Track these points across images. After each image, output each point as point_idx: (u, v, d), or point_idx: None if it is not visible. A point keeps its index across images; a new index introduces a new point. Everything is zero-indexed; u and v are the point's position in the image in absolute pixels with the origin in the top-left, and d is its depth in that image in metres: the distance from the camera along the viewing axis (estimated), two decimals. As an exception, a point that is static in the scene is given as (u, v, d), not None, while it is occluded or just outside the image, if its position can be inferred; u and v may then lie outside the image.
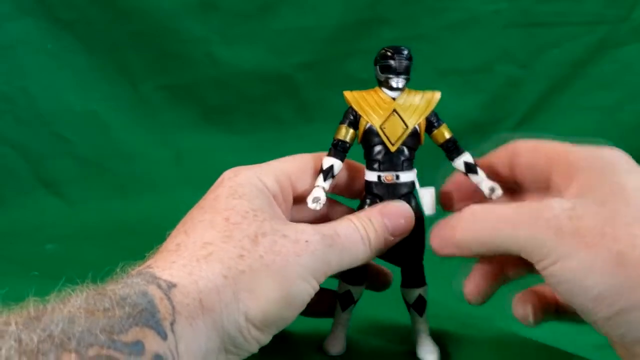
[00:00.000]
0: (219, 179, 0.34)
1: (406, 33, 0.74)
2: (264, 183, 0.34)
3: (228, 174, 0.34)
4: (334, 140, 0.36)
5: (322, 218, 0.37)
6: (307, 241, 0.31)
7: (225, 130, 0.79)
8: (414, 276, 0.37)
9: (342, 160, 0.35)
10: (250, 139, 0.78)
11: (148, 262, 0.30)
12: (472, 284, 0.34)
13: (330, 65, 0.76)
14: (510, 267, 0.34)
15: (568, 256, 0.27)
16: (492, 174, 0.35)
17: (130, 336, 0.24)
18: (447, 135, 0.36)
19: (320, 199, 0.34)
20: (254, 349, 0.30)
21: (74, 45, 0.77)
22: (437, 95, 0.36)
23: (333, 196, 0.39)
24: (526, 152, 0.34)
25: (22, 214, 0.73)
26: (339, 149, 0.35)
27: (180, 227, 0.33)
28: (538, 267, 0.29)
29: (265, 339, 0.31)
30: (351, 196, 0.38)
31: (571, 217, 0.28)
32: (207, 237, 0.30)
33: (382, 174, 0.35)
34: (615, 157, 0.31)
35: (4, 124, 0.76)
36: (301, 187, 0.36)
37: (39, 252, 0.63)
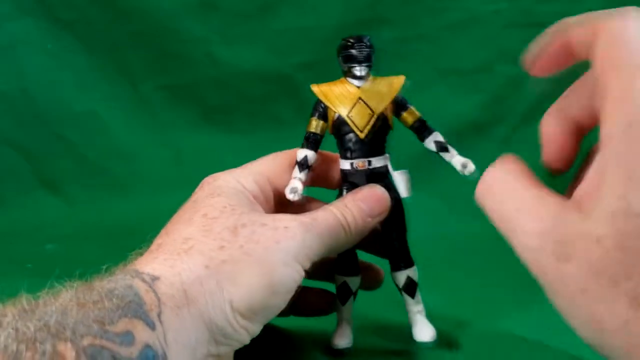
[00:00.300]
0: (199, 185, 0.35)
1: (406, 33, 0.74)
2: (242, 184, 0.35)
3: (207, 179, 0.35)
4: (306, 133, 0.37)
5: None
6: (285, 227, 0.32)
7: (225, 130, 0.79)
8: (400, 257, 0.37)
9: (315, 151, 0.37)
10: (250, 139, 0.78)
11: (131, 263, 0.31)
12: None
13: (330, 65, 0.76)
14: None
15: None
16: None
17: (120, 327, 0.25)
18: (416, 116, 0.37)
19: (297, 189, 0.35)
20: (245, 339, 0.31)
21: (74, 45, 0.77)
22: (401, 78, 0.37)
23: (313, 190, 0.39)
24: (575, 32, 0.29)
25: (22, 214, 0.73)
26: (310, 141, 0.37)
27: (162, 231, 0.33)
28: None
29: (255, 327, 0.31)
30: (331, 186, 0.39)
31: (558, 257, 0.24)
32: (187, 233, 0.31)
33: (354, 161, 0.36)
34: None
35: (4, 124, 0.76)
36: (281, 186, 0.36)
37: (39, 252, 0.63)
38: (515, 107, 0.76)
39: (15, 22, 0.75)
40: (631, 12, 0.25)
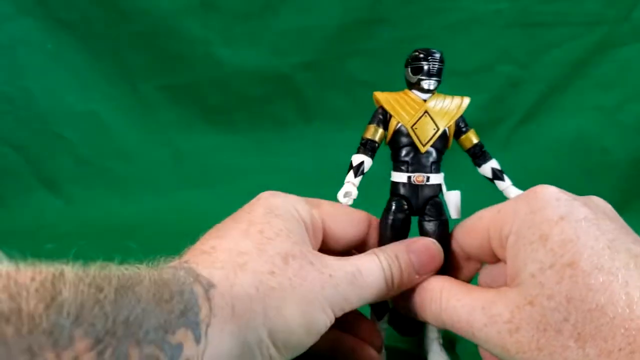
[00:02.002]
0: (255, 198, 0.34)
1: (406, 33, 0.74)
2: (299, 212, 0.34)
3: (265, 194, 0.34)
4: (363, 139, 0.35)
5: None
6: (330, 275, 0.31)
7: (225, 130, 0.79)
8: None
9: (372, 158, 0.35)
10: (250, 139, 0.78)
11: (185, 258, 0.30)
12: None
13: (330, 65, 0.76)
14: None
15: None
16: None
17: (177, 337, 0.25)
18: (475, 140, 0.36)
19: (351, 194, 0.34)
20: None
21: (74, 45, 0.77)
22: (467, 100, 0.36)
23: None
24: (464, 238, 0.34)
25: (22, 214, 0.73)
26: (368, 147, 0.35)
27: (213, 232, 0.33)
28: None
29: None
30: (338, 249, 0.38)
31: (510, 331, 0.28)
32: (242, 246, 0.30)
33: (412, 175, 0.35)
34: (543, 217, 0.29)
35: (4, 124, 0.76)
36: (332, 231, 0.35)
37: (39, 252, 0.63)
38: (515, 107, 0.76)
39: (15, 22, 0.75)
40: None
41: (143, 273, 0.26)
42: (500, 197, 0.35)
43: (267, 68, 0.77)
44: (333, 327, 0.36)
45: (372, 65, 0.74)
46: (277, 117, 0.78)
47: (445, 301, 0.31)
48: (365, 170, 0.35)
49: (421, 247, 0.34)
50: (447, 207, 0.36)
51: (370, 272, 0.32)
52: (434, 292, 0.32)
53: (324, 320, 0.31)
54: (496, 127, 0.75)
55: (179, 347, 0.25)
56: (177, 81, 0.78)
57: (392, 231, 0.35)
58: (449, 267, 0.35)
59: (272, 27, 0.76)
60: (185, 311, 0.25)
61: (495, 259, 0.32)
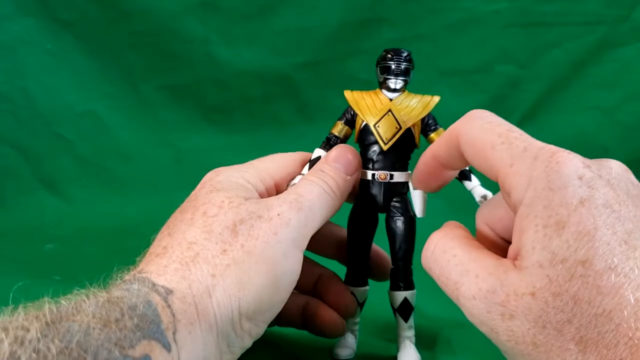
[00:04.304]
0: (201, 181, 0.35)
1: (406, 33, 0.74)
2: (247, 180, 0.34)
3: (209, 174, 0.35)
4: (329, 134, 0.37)
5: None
6: (279, 214, 0.31)
7: (225, 130, 0.79)
8: (401, 277, 0.36)
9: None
10: (250, 139, 0.78)
11: (140, 267, 0.30)
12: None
13: (330, 65, 0.76)
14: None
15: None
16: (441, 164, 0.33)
17: (139, 350, 0.25)
18: None
19: None
20: (248, 342, 0.31)
21: (74, 45, 0.77)
22: (436, 99, 0.36)
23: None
24: (470, 152, 0.30)
25: (22, 214, 0.73)
26: (331, 143, 0.37)
27: (164, 229, 0.33)
28: None
29: (259, 330, 0.31)
30: (324, 253, 0.39)
31: (503, 316, 0.26)
32: (190, 236, 0.31)
33: (376, 172, 0.36)
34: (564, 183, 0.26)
35: (4, 124, 0.76)
36: (285, 187, 0.36)
37: (39, 252, 0.63)
38: (515, 107, 0.76)
39: (15, 22, 0.75)
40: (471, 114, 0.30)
41: (86, 300, 0.25)
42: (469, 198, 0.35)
43: (267, 68, 0.77)
44: (305, 292, 0.37)
45: (372, 65, 0.73)
46: (277, 117, 0.78)
47: (439, 250, 0.29)
48: None
49: (337, 153, 0.35)
50: (413, 205, 0.36)
51: (309, 190, 0.33)
52: (433, 237, 0.30)
53: (292, 266, 0.31)
54: (496, 127, 0.75)
55: (145, 358, 0.25)
56: (177, 81, 0.78)
57: (358, 228, 0.37)
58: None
59: (272, 27, 0.76)
60: (141, 324, 0.25)
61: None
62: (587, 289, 0.24)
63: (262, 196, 0.34)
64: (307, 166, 0.36)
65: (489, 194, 0.34)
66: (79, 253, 0.62)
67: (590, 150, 0.75)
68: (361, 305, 0.38)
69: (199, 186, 0.34)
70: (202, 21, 0.76)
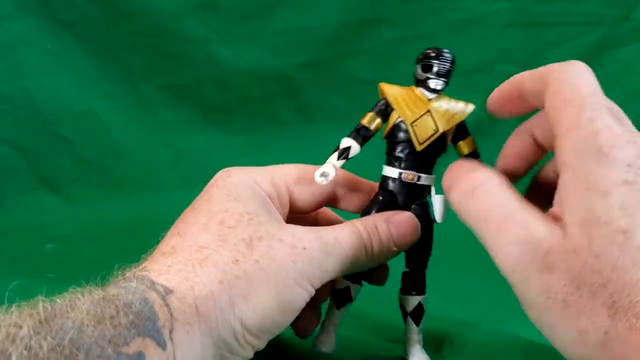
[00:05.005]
0: (212, 180, 0.34)
1: (406, 33, 0.74)
2: (259, 185, 0.33)
3: (221, 174, 0.34)
4: (358, 124, 0.35)
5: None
6: (304, 248, 0.30)
7: (225, 130, 0.79)
8: (415, 282, 0.36)
9: (361, 145, 0.35)
10: (250, 139, 0.78)
11: (143, 265, 0.30)
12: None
13: (330, 65, 0.76)
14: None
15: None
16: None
17: (133, 347, 0.24)
18: (473, 147, 0.36)
19: (328, 174, 0.33)
20: (249, 354, 0.30)
21: (74, 45, 0.77)
22: (471, 106, 0.35)
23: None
24: (551, 91, 0.29)
25: (22, 214, 0.73)
26: (360, 134, 0.34)
27: (173, 229, 0.32)
28: None
29: (261, 344, 0.30)
30: (348, 209, 0.38)
31: (541, 268, 0.26)
32: (202, 241, 0.30)
33: (403, 171, 0.35)
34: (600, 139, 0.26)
35: (4, 124, 0.76)
36: (298, 196, 0.35)
37: (39, 252, 0.63)
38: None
39: (15, 22, 0.75)
40: (574, 64, 0.29)
41: (81, 297, 0.25)
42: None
43: (267, 68, 0.77)
44: None
45: (372, 65, 0.74)
46: (277, 117, 0.78)
47: (483, 189, 0.29)
48: (350, 156, 0.34)
49: (400, 219, 0.34)
50: (432, 210, 0.35)
51: (349, 241, 0.32)
52: (477, 175, 0.30)
53: (301, 295, 0.30)
54: (496, 127, 0.74)
55: (139, 355, 0.24)
56: (177, 81, 0.78)
57: None
58: None
59: (272, 27, 0.76)
60: (136, 322, 0.25)
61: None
62: (625, 258, 0.24)
63: (273, 201, 0.33)
64: (335, 154, 0.34)
65: None
66: (79, 253, 0.62)
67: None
68: (352, 300, 0.36)
69: (210, 186, 0.33)
70: (202, 21, 0.76)
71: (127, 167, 0.78)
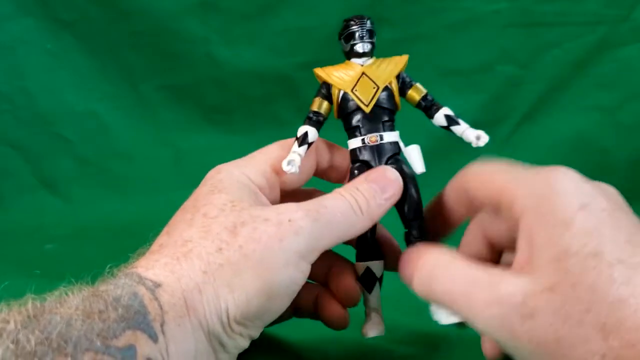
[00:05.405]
0: (203, 179, 0.34)
1: (406, 33, 0.74)
2: (248, 176, 0.33)
3: (211, 172, 0.34)
4: (309, 112, 0.36)
5: None
6: (290, 220, 0.30)
7: (225, 130, 0.79)
8: (418, 235, 0.35)
9: (317, 129, 0.36)
10: (250, 139, 0.77)
11: (133, 264, 0.30)
12: None
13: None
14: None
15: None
16: (448, 210, 0.35)
17: (123, 340, 0.24)
18: (422, 92, 0.36)
19: (294, 161, 0.34)
20: (243, 343, 0.30)
21: (74, 45, 0.77)
22: (405, 57, 0.36)
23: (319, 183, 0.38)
24: (475, 185, 0.32)
25: (22, 214, 0.73)
26: (313, 120, 0.36)
27: (164, 230, 0.32)
28: None
29: (253, 332, 0.30)
30: (337, 179, 0.38)
31: (523, 317, 0.26)
32: (187, 235, 0.30)
33: (365, 136, 0.35)
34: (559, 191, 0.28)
35: (4, 124, 0.76)
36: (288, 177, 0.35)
37: (39, 252, 0.63)
38: (515, 107, 0.76)
39: (15, 22, 0.75)
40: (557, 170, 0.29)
41: (70, 294, 0.26)
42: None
43: (267, 68, 0.77)
44: (318, 282, 0.37)
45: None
46: (277, 117, 0.78)
47: (441, 266, 0.30)
48: (310, 141, 0.35)
49: (377, 173, 0.34)
50: (409, 164, 0.35)
51: (335, 204, 0.32)
52: (429, 257, 0.31)
53: (293, 276, 0.30)
54: (496, 127, 0.75)
55: (130, 348, 0.24)
56: (177, 81, 0.78)
57: None
58: (438, 210, 0.35)
59: (272, 27, 0.76)
60: (126, 315, 0.25)
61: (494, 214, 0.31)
62: (602, 279, 0.25)
63: (262, 190, 0.34)
64: (295, 144, 0.35)
65: (482, 133, 0.35)
66: (79, 253, 0.62)
67: (591, 150, 0.75)
68: (380, 280, 0.36)
69: (200, 185, 0.34)
70: (202, 21, 0.76)
71: (127, 167, 0.78)
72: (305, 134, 0.35)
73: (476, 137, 0.35)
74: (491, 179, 0.31)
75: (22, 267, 0.56)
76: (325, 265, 0.37)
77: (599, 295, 0.25)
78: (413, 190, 0.35)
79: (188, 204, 0.33)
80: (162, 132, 0.79)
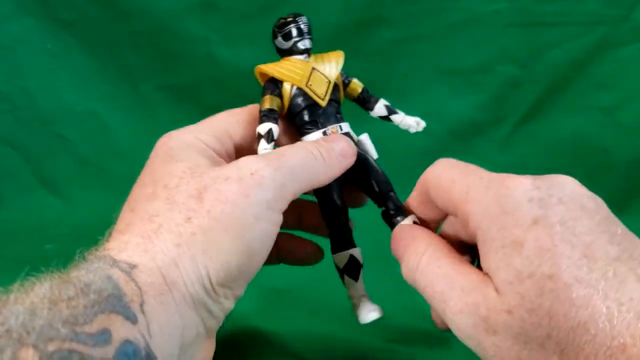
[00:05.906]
0: (154, 148, 0.34)
1: (406, 33, 0.74)
2: (202, 141, 0.33)
3: (161, 140, 0.34)
4: (262, 111, 0.36)
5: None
6: (252, 173, 0.30)
7: (225, 130, 0.79)
8: (396, 210, 0.36)
9: (277, 124, 0.36)
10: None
11: (103, 246, 0.30)
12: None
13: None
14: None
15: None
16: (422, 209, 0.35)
17: (95, 325, 0.24)
18: (361, 86, 0.38)
19: None
20: (228, 305, 0.30)
21: (74, 45, 0.77)
22: (341, 52, 0.38)
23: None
24: (434, 193, 0.32)
25: (22, 214, 0.73)
26: (270, 117, 0.36)
27: (125, 206, 0.32)
28: None
29: (237, 292, 0.30)
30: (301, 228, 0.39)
31: (487, 331, 0.26)
32: (152, 210, 0.30)
33: (326, 129, 0.36)
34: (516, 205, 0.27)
35: (4, 124, 0.76)
36: (242, 140, 0.36)
37: (39, 252, 0.63)
38: (515, 107, 0.76)
39: (15, 22, 0.75)
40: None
41: (38, 283, 0.25)
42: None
43: (267, 68, 0.77)
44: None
45: (372, 65, 0.73)
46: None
47: (425, 262, 0.29)
48: (275, 137, 0.35)
49: (334, 137, 0.35)
50: (366, 150, 0.37)
51: (295, 151, 0.32)
52: (418, 246, 0.30)
53: (265, 229, 0.30)
54: (496, 127, 0.74)
55: (104, 332, 0.24)
56: (177, 81, 0.78)
57: (330, 190, 0.36)
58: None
59: (272, 27, 0.76)
60: (98, 300, 0.24)
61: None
62: (560, 303, 0.24)
63: (218, 153, 0.33)
64: (262, 142, 0.35)
65: (419, 119, 0.37)
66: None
67: (591, 150, 0.75)
68: (362, 265, 0.36)
69: (152, 155, 0.33)
70: (202, 21, 0.76)
71: (127, 167, 0.78)
72: (270, 130, 0.35)
73: (416, 122, 0.37)
74: (448, 189, 0.30)
75: (22, 267, 0.56)
76: (296, 213, 0.38)
77: (557, 320, 0.24)
78: (376, 167, 0.36)
79: (145, 177, 0.33)
80: (162, 132, 0.79)
